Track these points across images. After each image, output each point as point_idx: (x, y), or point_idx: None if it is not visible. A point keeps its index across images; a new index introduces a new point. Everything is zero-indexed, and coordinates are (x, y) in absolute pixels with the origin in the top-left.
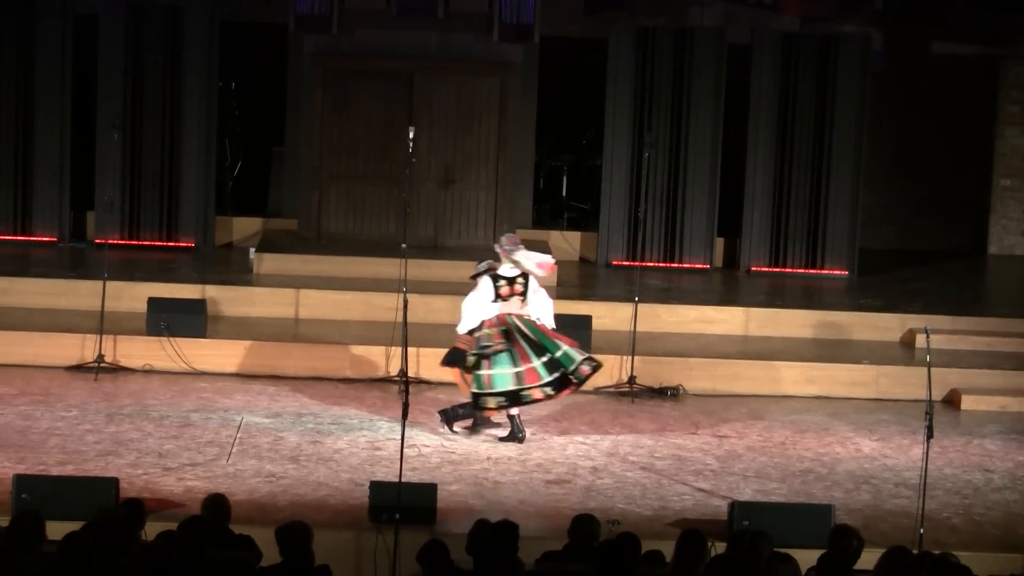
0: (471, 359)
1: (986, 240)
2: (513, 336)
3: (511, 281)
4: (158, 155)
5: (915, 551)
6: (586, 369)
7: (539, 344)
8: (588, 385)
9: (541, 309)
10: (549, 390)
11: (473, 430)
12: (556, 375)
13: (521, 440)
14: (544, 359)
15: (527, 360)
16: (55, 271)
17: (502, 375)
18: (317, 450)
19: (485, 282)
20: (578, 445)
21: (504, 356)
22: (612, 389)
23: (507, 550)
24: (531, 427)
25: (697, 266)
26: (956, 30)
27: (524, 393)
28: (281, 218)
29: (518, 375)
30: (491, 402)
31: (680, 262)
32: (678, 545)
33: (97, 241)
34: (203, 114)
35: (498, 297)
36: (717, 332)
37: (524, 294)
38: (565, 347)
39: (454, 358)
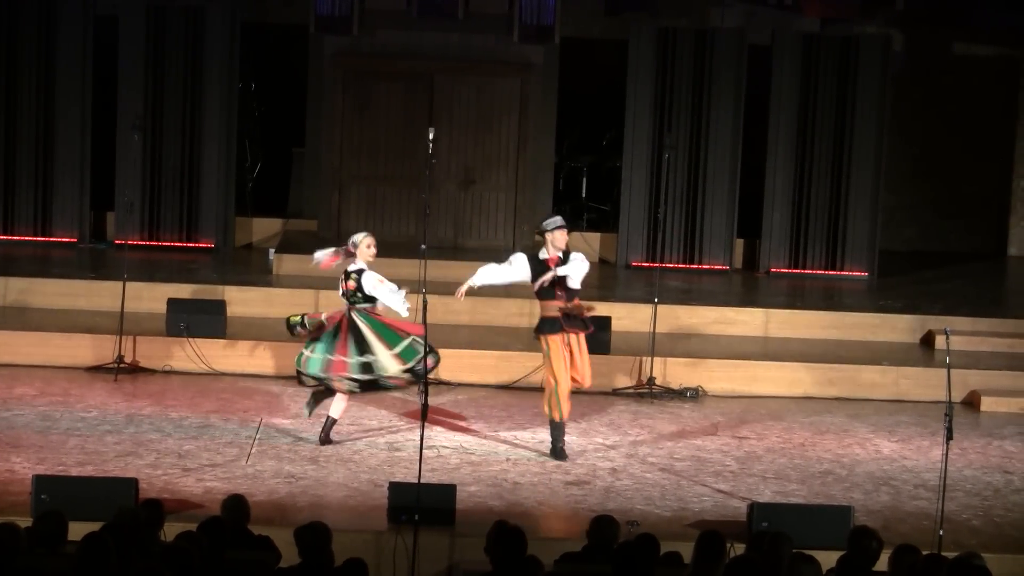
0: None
1: (1006, 242)
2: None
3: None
4: (178, 156)
5: (926, 552)
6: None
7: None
8: (607, 386)
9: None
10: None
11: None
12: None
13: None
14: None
15: (343, 352)
16: (75, 272)
17: (316, 359)
18: (336, 451)
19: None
20: (597, 446)
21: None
22: (631, 390)
23: (517, 551)
24: (548, 429)
25: (717, 267)
26: (977, 31)
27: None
28: (301, 219)
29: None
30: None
31: (700, 263)
32: (697, 546)
33: (117, 242)
34: (223, 115)
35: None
36: (737, 333)
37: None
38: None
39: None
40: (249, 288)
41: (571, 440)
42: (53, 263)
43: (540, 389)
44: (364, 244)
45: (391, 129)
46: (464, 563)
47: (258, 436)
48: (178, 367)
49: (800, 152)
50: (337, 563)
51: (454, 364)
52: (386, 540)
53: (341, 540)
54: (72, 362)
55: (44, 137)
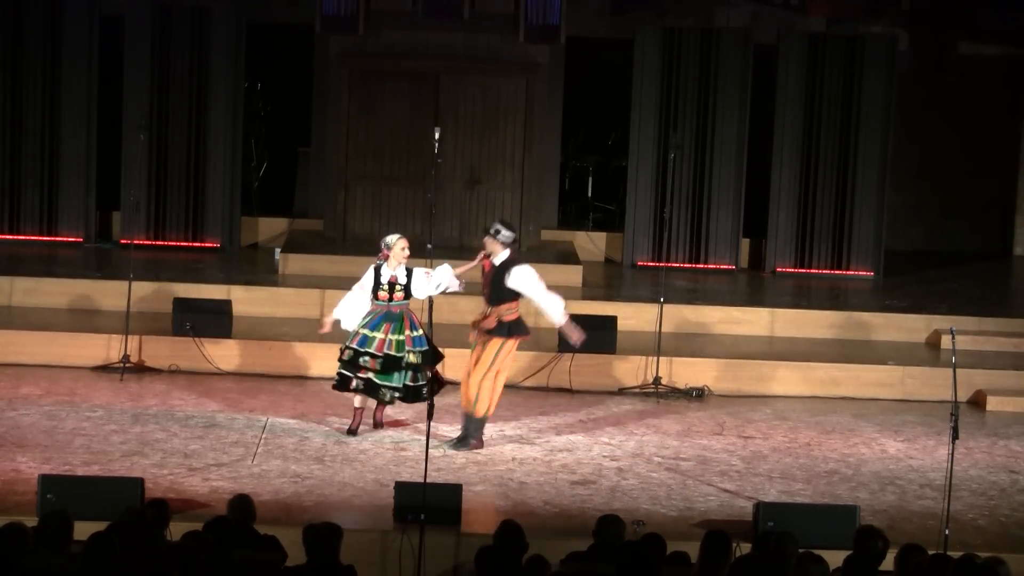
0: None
1: (1012, 241)
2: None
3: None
4: (184, 155)
5: (931, 552)
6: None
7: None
8: (613, 385)
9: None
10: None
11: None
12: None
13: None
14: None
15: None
16: (81, 271)
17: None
18: (342, 451)
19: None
20: (603, 446)
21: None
22: (637, 390)
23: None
24: (554, 429)
25: (722, 267)
26: (982, 31)
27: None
28: (307, 219)
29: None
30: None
31: (705, 263)
32: (703, 546)
33: (123, 241)
34: (229, 114)
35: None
36: (742, 333)
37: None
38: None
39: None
40: (255, 288)
41: (577, 439)
42: (59, 263)
43: (543, 389)
44: (398, 246)
45: (397, 129)
46: (470, 563)
47: (264, 435)
48: (184, 367)
49: (806, 152)
50: (343, 563)
51: (459, 364)
52: (392, 540)
53: (347, 539)
54: (78, 361)
55: (50, 137)
